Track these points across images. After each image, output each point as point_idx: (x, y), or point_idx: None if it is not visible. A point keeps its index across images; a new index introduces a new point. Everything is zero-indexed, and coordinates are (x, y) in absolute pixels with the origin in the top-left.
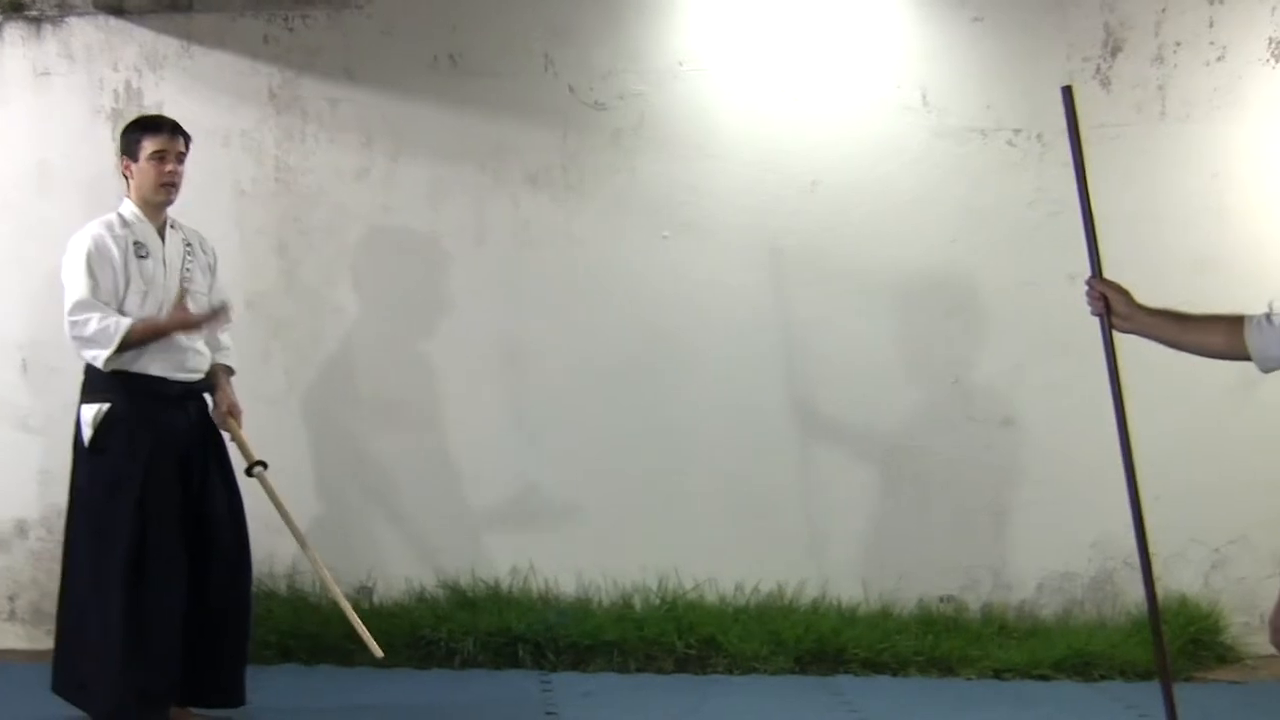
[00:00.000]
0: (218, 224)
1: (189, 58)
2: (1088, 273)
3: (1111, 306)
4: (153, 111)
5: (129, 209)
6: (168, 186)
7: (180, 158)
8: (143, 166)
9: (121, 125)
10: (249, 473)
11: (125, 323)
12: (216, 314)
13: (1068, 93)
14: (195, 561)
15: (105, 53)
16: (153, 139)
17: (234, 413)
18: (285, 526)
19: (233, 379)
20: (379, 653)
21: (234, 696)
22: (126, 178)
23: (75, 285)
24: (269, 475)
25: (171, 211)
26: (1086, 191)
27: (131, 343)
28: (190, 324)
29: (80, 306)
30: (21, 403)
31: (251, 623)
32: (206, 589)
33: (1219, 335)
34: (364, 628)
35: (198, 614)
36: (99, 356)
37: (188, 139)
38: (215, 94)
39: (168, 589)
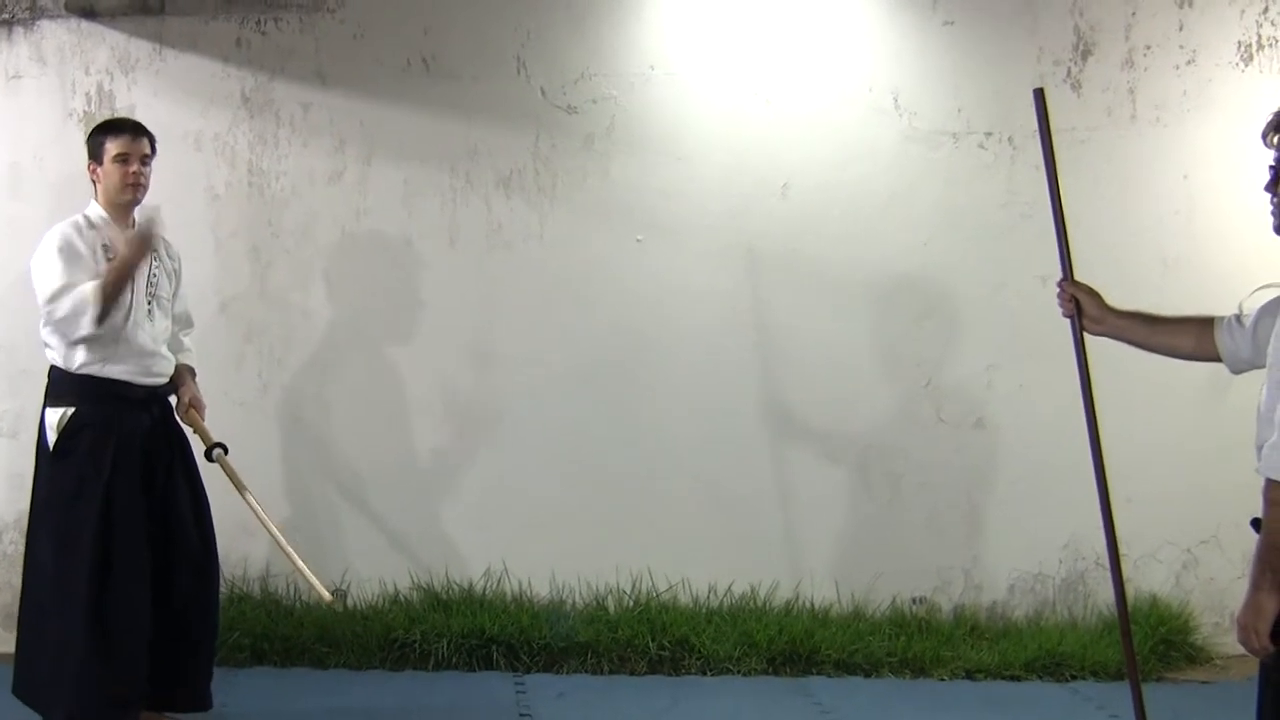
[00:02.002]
0: (191, 228)
1: (161, 60)
2: (1059, 275)
3: (1082, 308)
4: (124, 114)
5: (96, 211)
6: (133, 188)
7: (145, 159)
8: (107, 169)
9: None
10: (209, 456)
11: (93, 283)
12: (151, 221)
13: (1039, 95)
14: (160, 564)
15: (77, 55)
16: (115, 141)
17: (196, 406)
18: (258, 529)
19: (202, 380)
20: (327, 597)
21: (201, 700)
22: (94, 182)
23: (50, 277)
24: (228, 459)
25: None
26: (1058, 194)
27: (108, 295)
28: (139, 243)
29: (57, 293)
30: None
31: (218, 625)
32: (171, 592)
33: (1189, 337)
34: (310, 572)
35: (164, 617)
36: (86, 322)
37: (152, 140)
38: (187, 97)
39: (133, 593)
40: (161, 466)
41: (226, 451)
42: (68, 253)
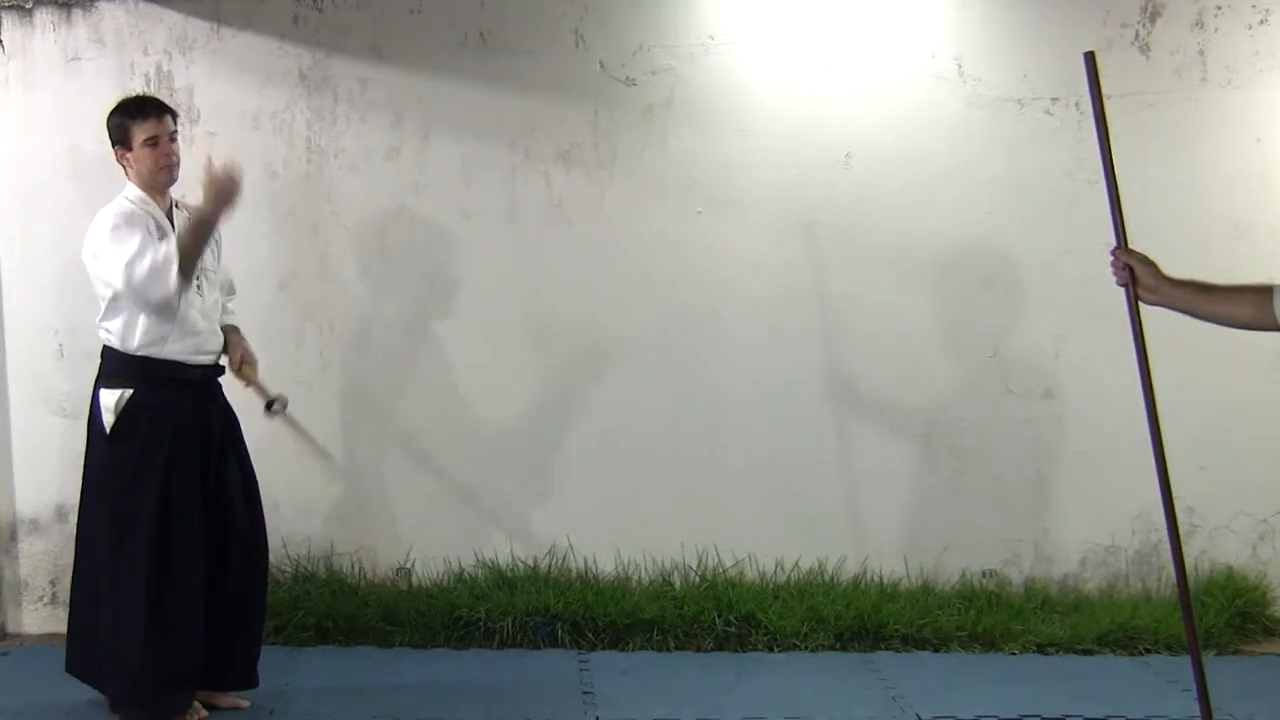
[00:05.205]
0: (249, 206)
1: (218, 40)
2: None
3: (1137, 278)
4: (183, 94)
5: (135, 194)
6: (168, 168)
7: (173, 136)
8: (138, 154)
9: None
10: (269, 409)
11: (170, 243)
12: (231, 176)
13: (1090, 58)
14: (214, 544)
15: (135, 36)
16: (141, 126)
17: (248, 360)
18: (320, 508)
19: (263, 359)
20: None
21: (248, 678)
22: (125, 167)
23: (120, 247)
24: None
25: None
26: (1110, 160)
27: (189, 254)
28: (219, 197)
29: (135, 257)
30: (57, 387)
31: (265, 605)
32: (224, 573)
33: (1247, 306)
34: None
35: (216, 597)
36: (170, 279)
37: (175, 115)
38: (245, 76)
39: (190, 574)
40: (215, 447)
41: (285, 406)
42: (129, 223)
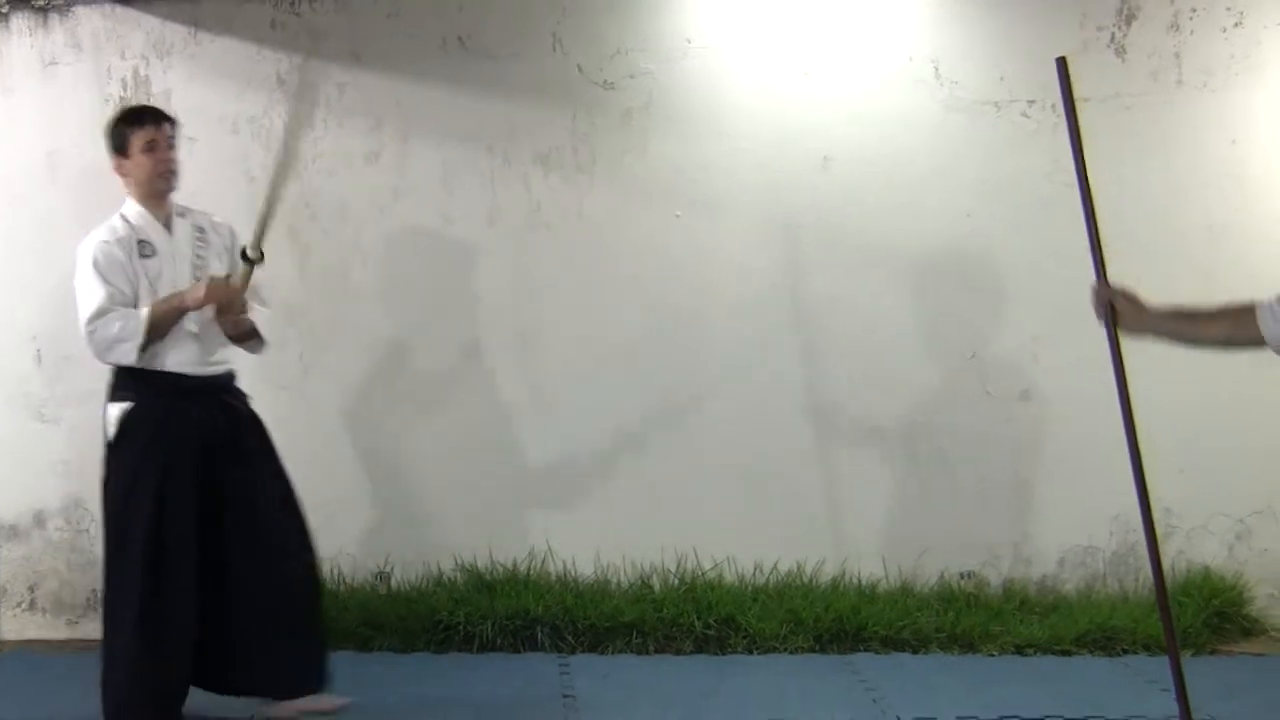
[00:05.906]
0: (229, 211)
1: (196, 44)
2: (1105, 244)
3: (1119, 313)
4: (160, 99)
5: (131, 208)
6: (167, 175)
7: (171, 143)
8: (137, 161)
9: None
10: (248, 261)
11: (144, 311)
12: (238, 296)
13: (1062, 64)
14: (228, 552)
15: (112, 41)
16: (140, 132)
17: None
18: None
19: (244, 363)
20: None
21: (284, 684)
22: (123, 176)
23: (90, 296)
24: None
25: (182, 199)
26: (1085, 176)
27: (156, 327)
28: (210, 299)
29: (98, 314)
30: (37, 393)
31: (307, 607)
32: (237, 578)
33: (1231, 327)
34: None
35: (234, 603)
36: (129, 351)
37: (174, 123)
38: (223, 80)
39: (183, 588)
40: (225, 454)
41: (257, 249)
42: (105, 266)
